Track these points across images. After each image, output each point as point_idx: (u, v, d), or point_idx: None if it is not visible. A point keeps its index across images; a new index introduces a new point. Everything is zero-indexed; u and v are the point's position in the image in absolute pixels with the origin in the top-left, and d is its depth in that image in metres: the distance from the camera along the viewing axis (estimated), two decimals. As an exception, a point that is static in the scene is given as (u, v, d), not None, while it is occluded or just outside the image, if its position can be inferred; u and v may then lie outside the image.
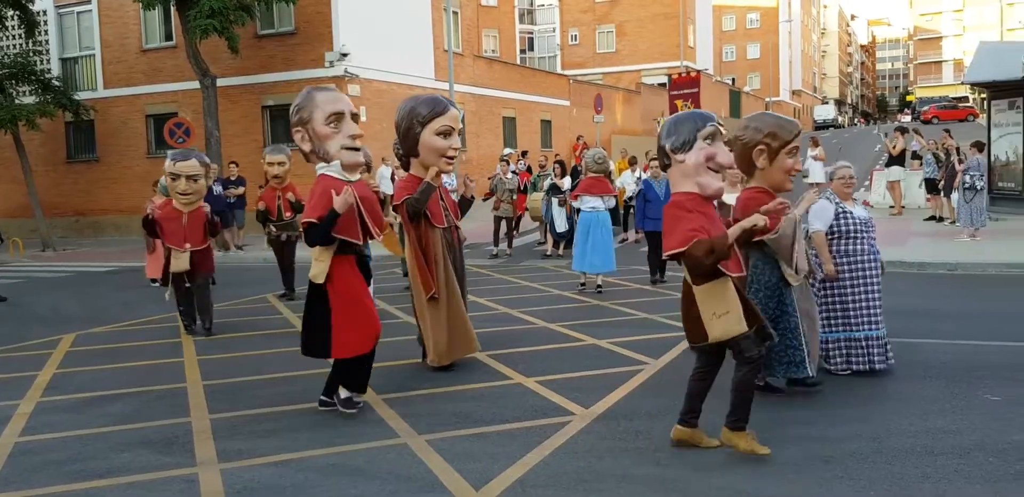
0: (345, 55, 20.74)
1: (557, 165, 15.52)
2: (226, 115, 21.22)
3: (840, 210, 6.21)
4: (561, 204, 14.22)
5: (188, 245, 8.52)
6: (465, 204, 7.29)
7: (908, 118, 63.79)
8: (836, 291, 6.18)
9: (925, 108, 53.90)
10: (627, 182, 16.56)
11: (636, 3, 50.59)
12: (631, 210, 16.34)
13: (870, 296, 6.15)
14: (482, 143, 27.10)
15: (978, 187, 14.20)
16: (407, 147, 6.82)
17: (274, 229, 10.89)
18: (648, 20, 50.04)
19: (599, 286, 10.79)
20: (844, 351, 6.21)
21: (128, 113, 23.56)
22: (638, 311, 9.21)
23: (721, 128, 4.58)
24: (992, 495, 3.99)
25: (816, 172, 21.00)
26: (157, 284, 11.72)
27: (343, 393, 5.63)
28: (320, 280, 5.39)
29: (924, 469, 4.34)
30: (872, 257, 6.21)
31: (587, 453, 4.75)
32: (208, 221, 8.74)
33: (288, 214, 10.75)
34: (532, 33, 53.84)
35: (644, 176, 15.41)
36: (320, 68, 20.98)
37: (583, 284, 10.91)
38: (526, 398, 5.93)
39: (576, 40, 52.91)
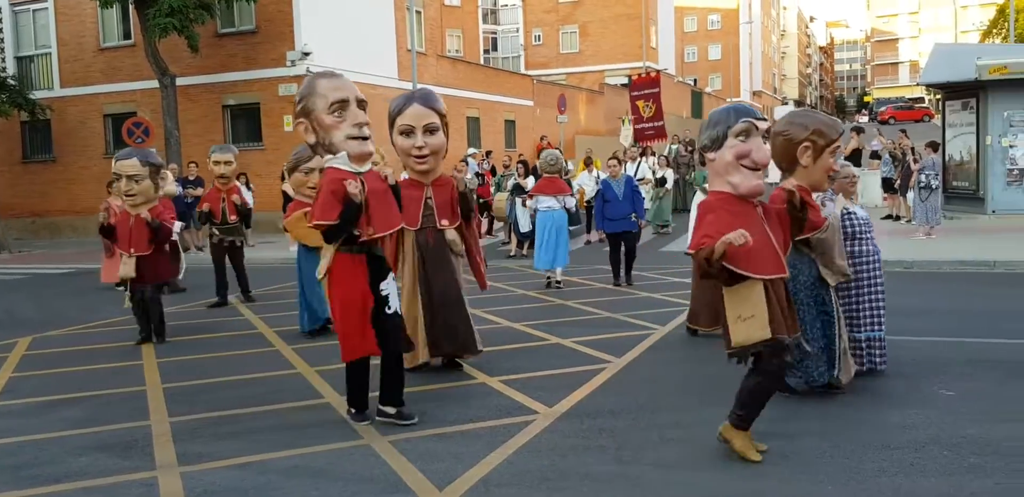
0: (307, 54, 20.60)
1: (520, 165, 15.41)
2: (186, 114, 20.98)
3: (844, 211, 6.01)
4: (525, 204, 14.19)
5: (133, 251, 8.02)
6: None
7: (866, 119, 64.77)
8: (842, 293, 5.94)
9: (882, 109, 54.79)
10: (585, 183, 16.44)
11: (599, 4, 50.78)
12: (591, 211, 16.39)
13: (875, 296, 5.99)
14: (448, 143, 27.03)
15: (933, 186, 14.47)
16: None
17: (216, 232, 10.41)
18: (611, 21, 50.26)
19: (558, 282, 11.19)
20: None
21: (86, 112, 23.19)
22: (601, 310, 9.26)
23: (758, 123, 4.36)
24: (947, 488, 4.07)
25: (774, 173, 21.25)
26: (122, 288, 11.38)
27: (388, 408, 5.39)
28: (319, 276, 5.24)
29: (880, 463, 4.41)
30: (876, 257, 6.05)
31: (550, 452, 4.77)
32: (147, 226, 8.06)
33: (233, 217, 10.32)
34: (496, 33, 53.85)
35: (603, 176, 15.55)
36: (282, 67, 20.82)
37: (550, 279, 11.31)
38: (490, 398, 5.93)
39: (539, 40, 53.00)
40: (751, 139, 4.31)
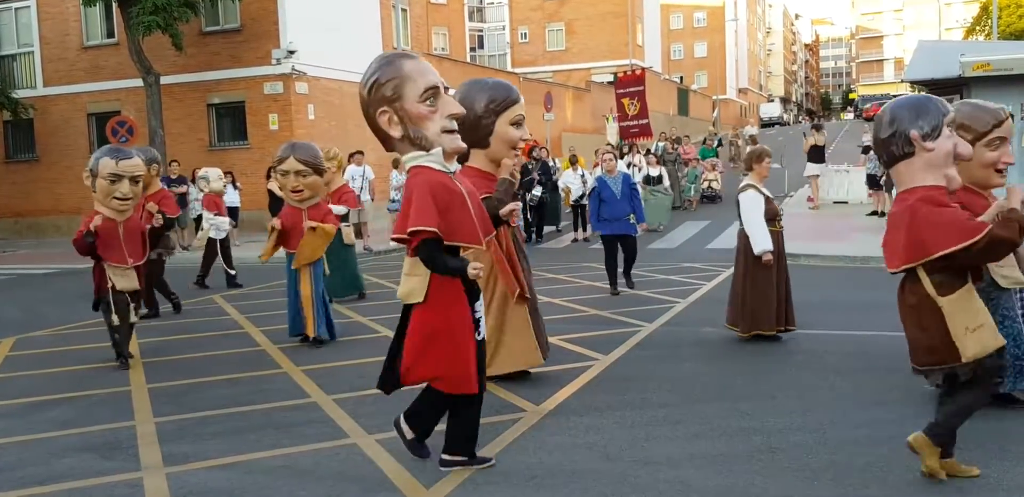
0: (292, 52, 20.51)
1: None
2: (171, 113, 20.87)
3: None
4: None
5: (132, 260, 7.16)
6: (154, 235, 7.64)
7: (851, 116, 65.13)
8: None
9: (867, 105, 55.15)
10: (570, 182, 16.22)
11: (585, 1, 50.82)
12: (580, 210, 16.12)
13: None
14: (432, 141, 27.02)
15: None
16: (474, 138, 5.98)
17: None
18: (597, 18, 50.30)
19: None
20: None
21: (69, 111, 23.03)
22: (588, 308, 9.27)
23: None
24: (931, 482, 4.09)
25: None
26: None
27: (406, 428, 4.62)
28: (416, 299, 4.24)
29: (867, 458, 4.43)
30: None
31: (537, 449, 4.76)
32: (145, 232, 7.41)
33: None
34: (482, 31, 53.85)
35: (597, 173, 15.39)
36: (267, 65, 20.73)
37: None
38: (477, 396, 5.92)
39: (526, 38, 52.99)
40: (953, 131, 4.00)
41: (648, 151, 21.00)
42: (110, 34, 22.65)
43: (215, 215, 11.69)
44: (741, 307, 7.30)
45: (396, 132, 4.23)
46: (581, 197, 15.75)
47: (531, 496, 4.12)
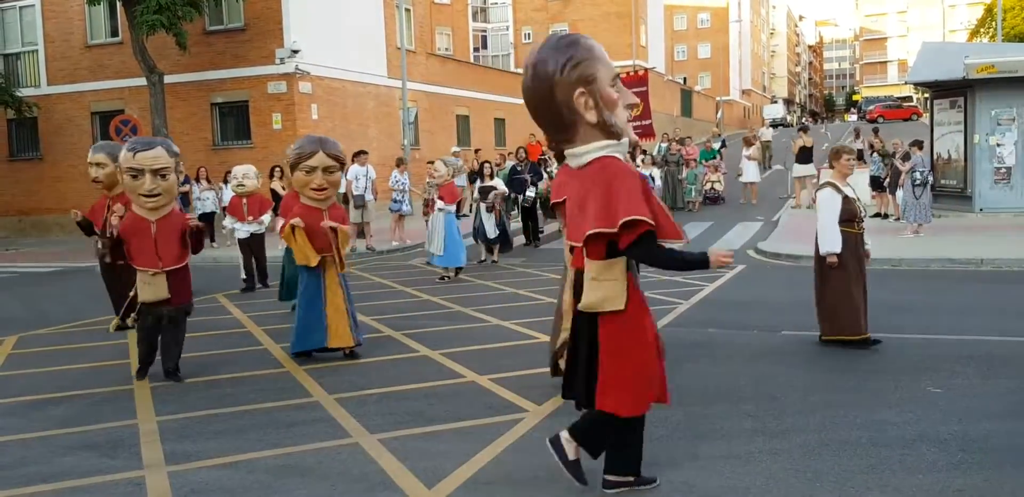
0: (296, 52, 20.53)
1: (487, 165, 14.41)
2: (174, 112, 20.89)
3: None
4: (490, 209, 13.35)
5: (162, 264, 6.41)
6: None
7: (855, 117, 64.99)
8: None
9: (871, 107, 54.98)
10: None
11: (589, 2, 50.85)
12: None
13: None
14: (435, 141, 27.01)
15: (929, 181, 14.66)
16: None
17: (100, 247, 8.60)
18: (601, 19, 50.31)
19: (446, 277, 11.98)
20: None
21: (73, 110, 23.07)
22: (591, 308, 9.25)
23: None
24: (935, 484, 4.08)
25: (751, 172, 21.51)
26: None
27: (571, 449, 4.10)
28: (614, 306, 3.79)
29: (869, 460, 4.43)
30: None
31: (540, 450, 4.73)
32: (188, 231, 6.56)
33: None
34: (485, 31, 53.84)
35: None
36: (271, 65, 20.74)
37: (445, 276, 11.99)
38: (479, 396, 5.92)
39: (529, 38, 53.01)
40: None
41: (644, 152, 20.95)
42: (114, 33, 22.68)
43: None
44: (820, 310, 7.13)
45: (592, 117, 3.73)
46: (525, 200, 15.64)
47: (533, 496, 4.11)
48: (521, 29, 53.38)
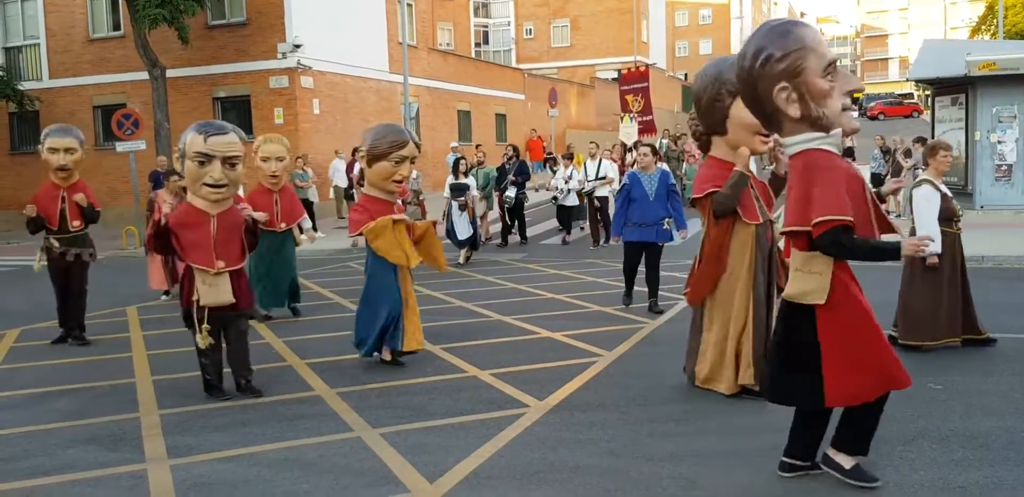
0: (298, 46, 20.51)
1: (462, 161, 13.59)
2: (176, 106, 20.86)
3: None
4: (462, 208, 12.77)
5: (221, 263, 5.71)
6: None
7: (856, 114, 64.85)
8: None
9: (872, 104, 54.86)
10: (558, 181, 15.24)
11: (590, -2, 50.74)
12: (564, 211, 15.43)
13: None
14: (436, 137, 26.99)
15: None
16: (710, 122, 5.59)
17: (56, 244, 7.78)
18: (602, 15, 50.18)
19: None
20: None
21: (75, 104, 23.04)
22: (592, 304, 9.26)
23: None
24: (936, 481, 4.09)
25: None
26: (167, 297, 10.35)
27: (842, 459, 4.06)
28: (816, 299, 3.80)
29: (870, 457, 4.41)
30: None
31: (541, 445, 4.77)
32: (248, 228, 5.94)
33: (76, 224, 7.83)
34: (487, 26, 53.71)
35: (593, 165, 14.61)
36: (273, 59, 20.72)
37: None
38: (480, 391, 5.93)
39: (531, 34, 52.88)
40: None
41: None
42: (116, 27, 22.64)
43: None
44: (903, 313, 6.82)
45: (795, 111, 3.72)
46: (555, 199, 15.24)
47: (534, 491, 4.12)
48: (523, 24, 53.22)
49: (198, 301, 5.66)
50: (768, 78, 3.68)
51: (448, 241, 12.61)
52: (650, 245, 8.68)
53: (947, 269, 6.72)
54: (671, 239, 8.80)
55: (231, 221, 5.80)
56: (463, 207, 12.74)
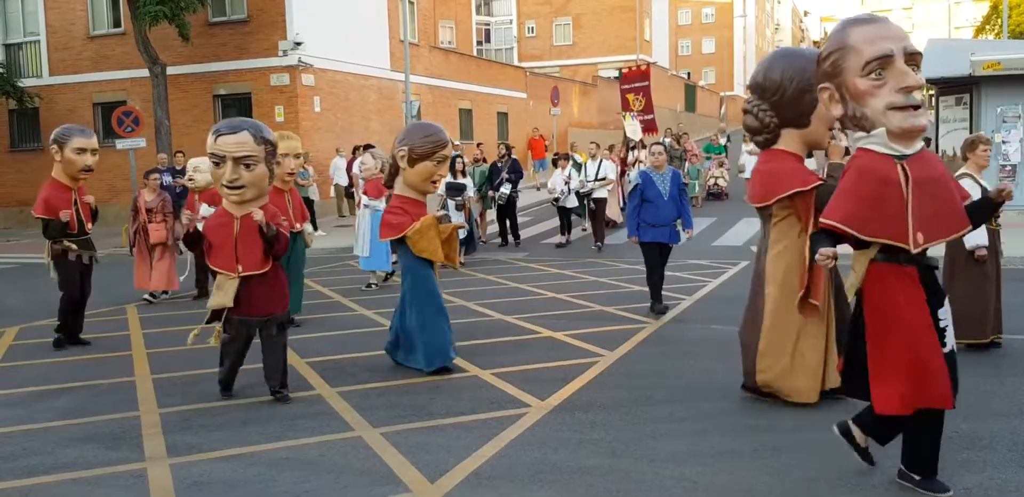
0: (299, 44, 20.45)
1: (459, 160, 13.06)
2: (176, 104, 20.83)
3: None
4: (459, 208, 12.41)
5: (241, 268, 5.58)
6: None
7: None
8: None
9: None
10: (557, 182, 14.82)
11: (593, -4, 50.68)
12: (563, 213, 14.99)
13: None
14: (438, 135, 26.96)
15: None
16: (792, 115, 5.37)
17: (74, 247, 7.63)
18: (605, 13, 50.14)
19: (373, 283, 10.81)
20: None
21: (75, 101, 22.99)
22: (593, 304, 9.24)
23: None
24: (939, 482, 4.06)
25: (751, 167, 21.36)
26: (154, 299, 10.22)
27: (857, 435, 4.15)
28: (849, 294, 3.94)
29: (874, 457, 4.40)
30: None
31: (542, 445, 4.75)
32: (261, 232, 5.58)
33: (90, 226, 7.84)
34: (489, 24, 53.66)
35: (594, 165, 14.43)
36: (273, 57, 20.67)
37: (371, 283, 10.84)
38: (482, 390, 5.91)
39: (533, 32, 52.84)
40: None
41: (644, 147, 20.84)
42: (116, 24, 22.60)
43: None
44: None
45: (836, 111, 3.84)
46: (556, 200, 14.70)
47: (535, 492, 4.10)
48: (525, 22, 53.17)
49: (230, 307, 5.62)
50: (817, 78, 3.89)
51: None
52: (663, 245, 8.52)
53: (991, 266, 6.67)
54: (679, 240, 8.70)
55: (255, 224, 5.56)
56: (460, 207, 12.53)
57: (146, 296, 10.30)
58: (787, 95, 5.28)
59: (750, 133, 5.69)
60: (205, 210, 10.16)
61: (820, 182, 5.20)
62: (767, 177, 5.47)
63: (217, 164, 5.48)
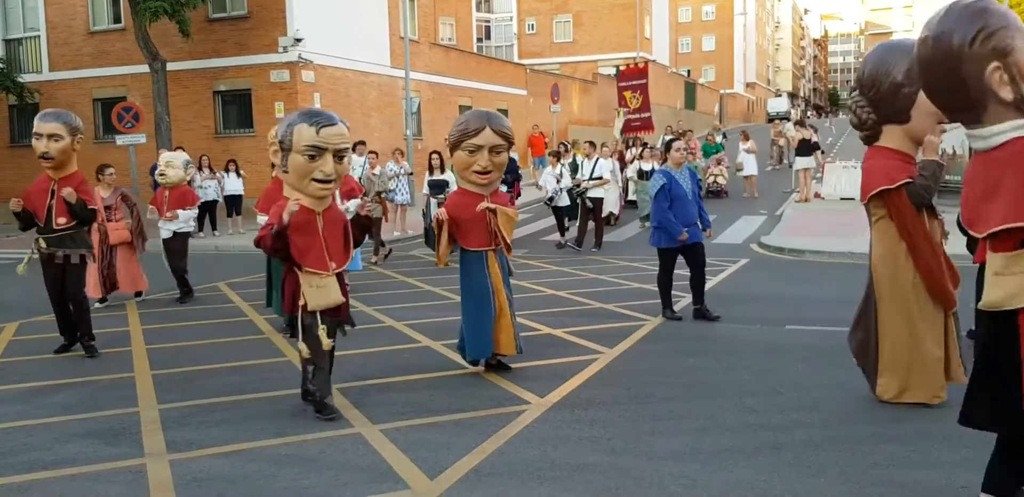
0: (299, 40, 20.44)
1: (434, 155, 13.06)
2: (176, 100, 20.83)
3: None
4: (441, 206, 12.44)
5: (335, 265, 5.24)
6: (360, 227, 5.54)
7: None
8: None
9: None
10: (547, 181, 14.56)
11: (593, -7, 50.63)
12: (557, 212, 14.81)
13: None
14: (437, 132, 26.93)
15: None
16: (889, 110, 5.16)
17: (43, 244, 7.13)
18: (605, 10, 50.10)
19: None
20: None
21: (75, 97, 22.98)
22: (593, 301, 9.24)
23: None
24: (939, 480, 4.08)
25: (750, 165, 21.51)
26: (99, 304, 9.58)
27: None
28: (1016, 304, 3.28)
29: (873, 456, 4.41)
30: None
31: (542, 442, 4.75)
32: (358, 223, 5.50)
33: (62, 221, 7.04)
34: (489, 21, 53.60)
35: (591, 162, 14.16)
36: (273, 53, 20.66)
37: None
38: (482, 387, 5.91)
39: (533, 29, 52.79)
40: None
41: (645, 145, 20.81)
42: (116, 19, 22.59)
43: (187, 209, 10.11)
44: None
45: (1007, 94, 3.27)
46: (550, 200, 14.56)
47: (535, 489, 4.10)
48: (525, 19, 53.11)
49: (305, 306, 5.14)
50: (977, 59, 3.25)
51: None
52: (692, 246, 8.16)
53: None
54: (701, 239, 8.37)
55: (334, 218, 5.31)
56: (441, 205, 12.32)
57: (98, 304, 9.55)
58: (882, 90, 5.11)
59: (854, 129, 5.54)
60: (184, 214, 10.04)
61: (908, 180, 5.02)
62: (864, 175, 5.39)
63: (313, 157, 5.00)
